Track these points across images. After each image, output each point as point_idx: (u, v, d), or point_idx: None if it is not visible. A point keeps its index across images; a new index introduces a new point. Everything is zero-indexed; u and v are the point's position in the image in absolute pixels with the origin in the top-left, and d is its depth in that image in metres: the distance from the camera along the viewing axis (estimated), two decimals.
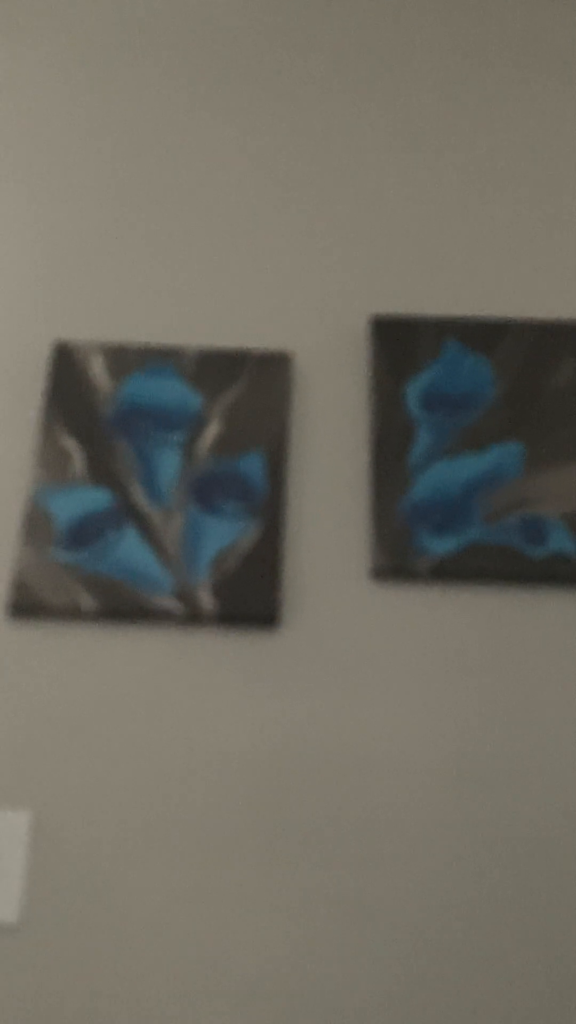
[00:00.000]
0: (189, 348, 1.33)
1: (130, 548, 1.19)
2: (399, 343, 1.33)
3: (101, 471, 1.24)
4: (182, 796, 1.09)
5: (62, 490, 1.23)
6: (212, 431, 1.27)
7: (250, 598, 1.16)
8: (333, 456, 1.28)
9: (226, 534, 1.20)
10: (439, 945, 1.03)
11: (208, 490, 1.23)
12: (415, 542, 1.19)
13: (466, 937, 1.03)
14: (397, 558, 1.18)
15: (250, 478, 1.24)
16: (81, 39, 1.65)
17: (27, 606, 1.16)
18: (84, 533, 1.20)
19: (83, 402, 1.29)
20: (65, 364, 1.31)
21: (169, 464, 1.25)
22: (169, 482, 1.24)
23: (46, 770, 1.10)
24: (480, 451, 1.25)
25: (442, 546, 1.19)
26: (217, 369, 1.31)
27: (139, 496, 1.23)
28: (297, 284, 1.42)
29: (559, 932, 1.03)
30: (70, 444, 1.26)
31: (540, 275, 1.43)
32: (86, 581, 1.17)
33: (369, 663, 1.16)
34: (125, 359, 1.32)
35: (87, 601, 1.16)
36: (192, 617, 1.15)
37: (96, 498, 1.22)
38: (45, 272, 1.43)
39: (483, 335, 1.34)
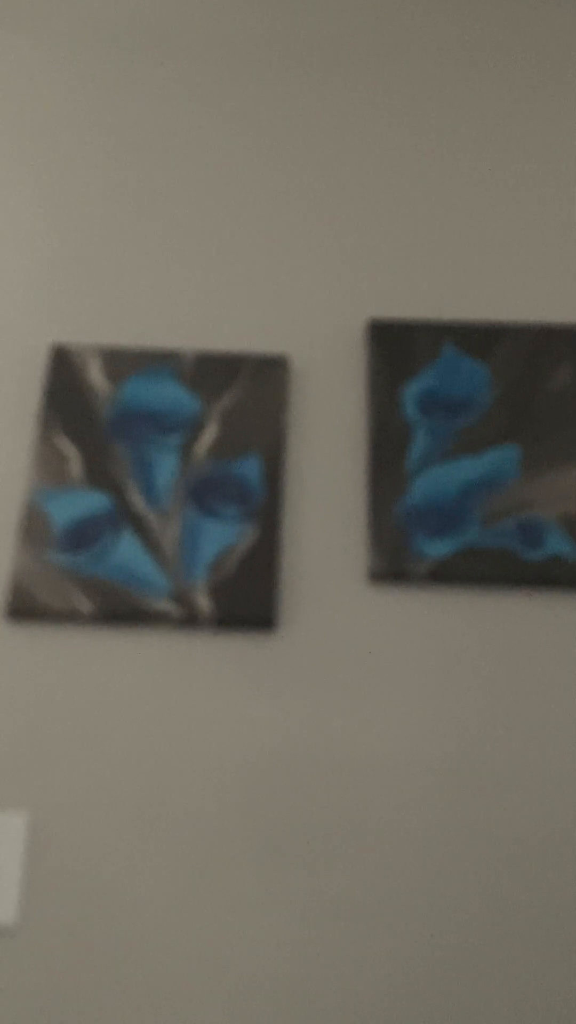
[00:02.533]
0: (186, 351, 1.33)
1: (127, 551, 1.19)
2: (396, 346, 1.33)
3: (99, 474, 1.24)
4: (179, 798, 1.09)
5: (60, 493, 1.23)
6: (209, 434, 1.27)
7: (247, 601, 1.16)
8: (330, 459, 1.29)
9: (223, 537, 1.20)
10: (438, 947, 1.03)
11: (205, 493, 1.23)
12: (412, 545, 1.20)
13: (465, 940, 1.03)
14: (394, 561, 1.19)
15: (247, 481, 1.24)
16: (78, 43, 1.66)
17: (24, 609, 1.16)
18: (81, 536, 1.20)
19: (81, 405, 1.29)
20: (63, 367, 1.32)
21: (166, 467, 1.25)
22: (166, 485, 1.24)
23: (44, 772, 1.10)
24: (477, 454, 1.26)
25: (439, 549, 1.20)
26: (214, 372, 1.32)
27: (136, 499, 1.23)
28: (294, 287, 1.42)
29: (559, 934, 1.03)
30: (68, 447, 1.26)
31: (537, 279, 1.43)
32: (83, 584, 1.17)
33: (366, 666, 1.16)
34: (122, 362, 1.32)
35: (84, 604, 1.16)
36: (189, 620, 1.16)
37: (94, 501, 1.22)
38: (43, 275, 1.43)
39: (480, 339, 1.34)
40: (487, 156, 1.55)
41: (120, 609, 1.16)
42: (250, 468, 1.25)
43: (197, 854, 1.06)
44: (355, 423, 1.31)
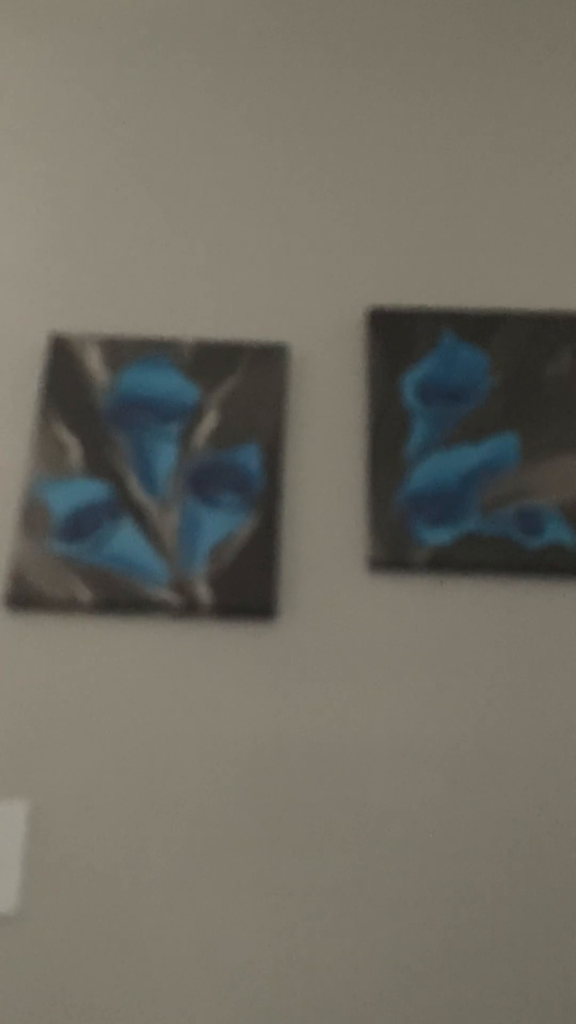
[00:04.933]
0: (185, 340, 1.33)
1: (127, 540, 1.19)
2: (395, 334, 1.33)
3: (98, 463, 1.24)
4: (179, 786, 1.09)
5: (59, 482, 1.23)
6: (209, 423, 1.27)
7: (247, 589, 1.16)
8: (330, 448, 1.28)
9: (223, 526, 1.20)
10: (438, 935, 1.03)
11: (205, 482, 1.23)
12: (412, 533, 1.20)
13: (465, 928, 1.03)
14: (394, 549, 1.19)
15: (247, 470, 1.24)
16: (79, 30, 1.65)
17: (24, 598, 1.16)
18: (81, 525, 1.20)
19: (79, 394, 1.29)
20: (61, 356, 1.31)
21: (166, 456, 1.25)
22: (166, 474, 1.24)
23: (44, 761, 1.10)
24: (476, 442, 1.25)
25: (439, 537, 1.19)
26: (213, 361, 1.31)
27: (136, 488, 1.23)
28: (294, 275, 1.42)
29: (559, 925, 1.03)
30: (67, 436, 1.26)
31: (536, 266, 1.42)
32: (83, 573, 1.17)
33: (366, 654, 1.16)
34: (121, 351, 1.32)
35: (84, 593, 1.16)
36: (189, 609, 1.16)
37: (93, 490, 1.22)
38: (41, 264, 1.43)
39: (479, 326, 1.34)
40: (486, 143, 1.54)
41: (119, 598, 1.16)
42: (249, 456, 1.25)
43: (197, 842, 1.07)
44: (354, 411, 1.31)
